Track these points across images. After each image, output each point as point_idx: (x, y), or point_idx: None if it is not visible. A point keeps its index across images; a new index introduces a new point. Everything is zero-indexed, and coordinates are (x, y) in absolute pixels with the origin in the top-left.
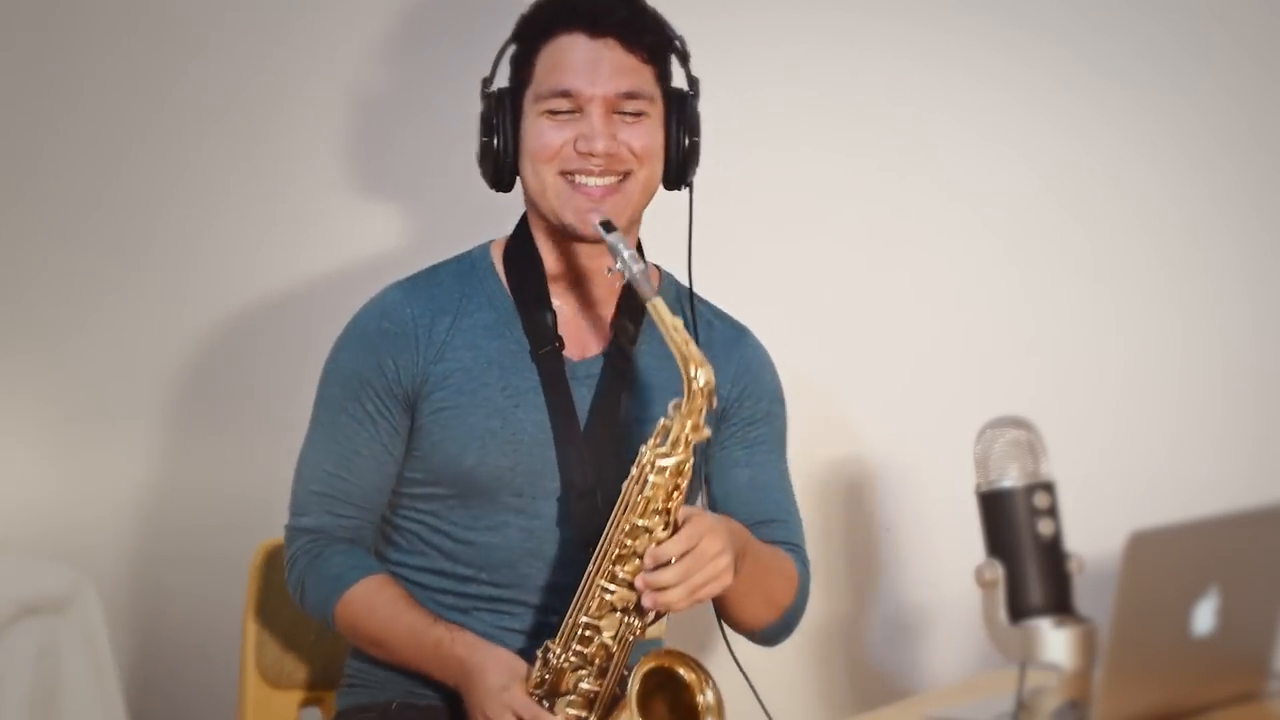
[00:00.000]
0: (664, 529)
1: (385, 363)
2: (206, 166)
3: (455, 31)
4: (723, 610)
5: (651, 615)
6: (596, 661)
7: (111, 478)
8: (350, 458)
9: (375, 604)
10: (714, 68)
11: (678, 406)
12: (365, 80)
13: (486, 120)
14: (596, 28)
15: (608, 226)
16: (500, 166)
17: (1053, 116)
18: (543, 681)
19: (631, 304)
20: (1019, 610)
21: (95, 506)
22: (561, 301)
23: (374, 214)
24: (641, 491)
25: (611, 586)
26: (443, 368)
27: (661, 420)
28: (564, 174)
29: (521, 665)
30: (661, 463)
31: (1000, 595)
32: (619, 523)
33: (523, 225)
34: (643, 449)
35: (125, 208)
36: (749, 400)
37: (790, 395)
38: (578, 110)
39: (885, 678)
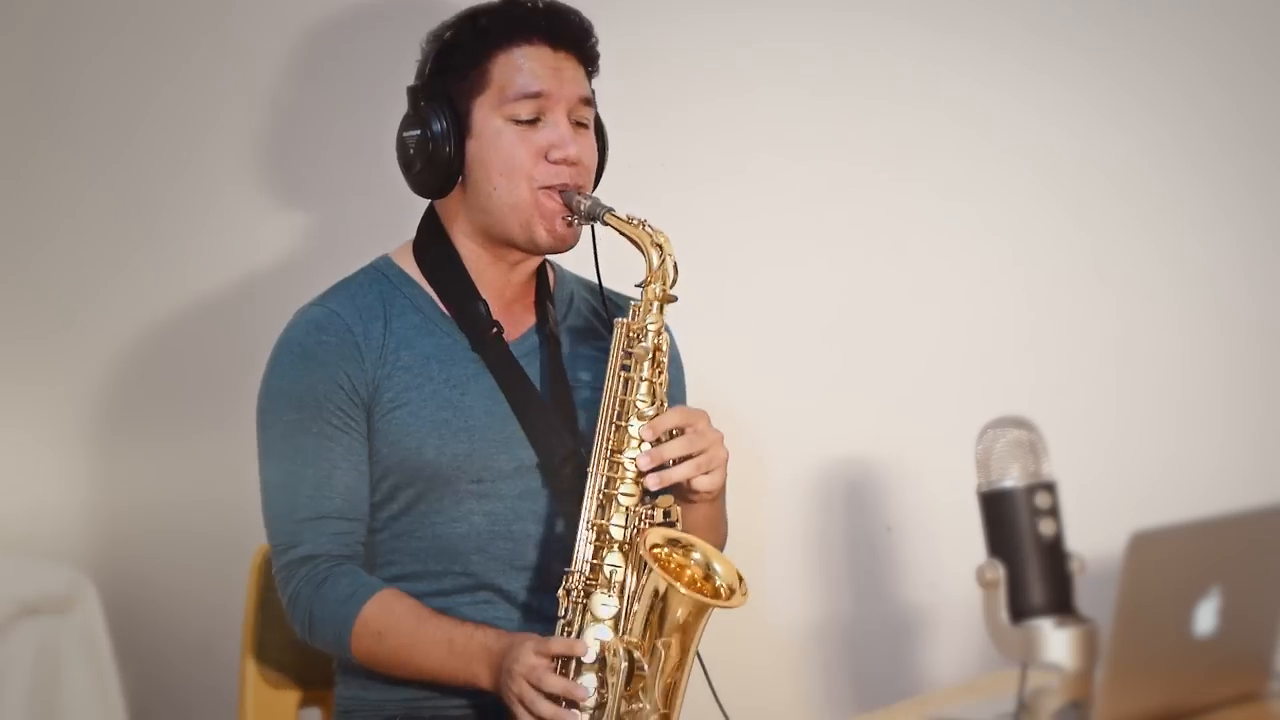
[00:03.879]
0: (652, 405)
1: (338, 375)
2: (210, 153)
3: (369, 44)
4: None
5: (664, 512)
6: (613, 574)
7: (112, 478)
8: (329, 475)
9: (395, 614)
10: (714, 68)
11: (643, 283)
12: (281, 90)
13: (425, 124)
14: (557, 41)
15: (571, 201)
16: (448, 174)
17: (1054, 116)
18: (570, 621)
19: (544, 289)
20: (1020, 610)
21: (96, 507)
22: (485, 294)
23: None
24: (628, 367)
25: (612, 474)
26: (386, 370)
27: (632, 302)
28: (542, 189)
29: (544, 638)
30: (646, 328)
31: (1001, 595)
32: (609, 408)
33: (433, 229)
34: (618, 323)
35: (119, 206)
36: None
37: (791, 395)
38: (538, 119)
39: (886, 678)
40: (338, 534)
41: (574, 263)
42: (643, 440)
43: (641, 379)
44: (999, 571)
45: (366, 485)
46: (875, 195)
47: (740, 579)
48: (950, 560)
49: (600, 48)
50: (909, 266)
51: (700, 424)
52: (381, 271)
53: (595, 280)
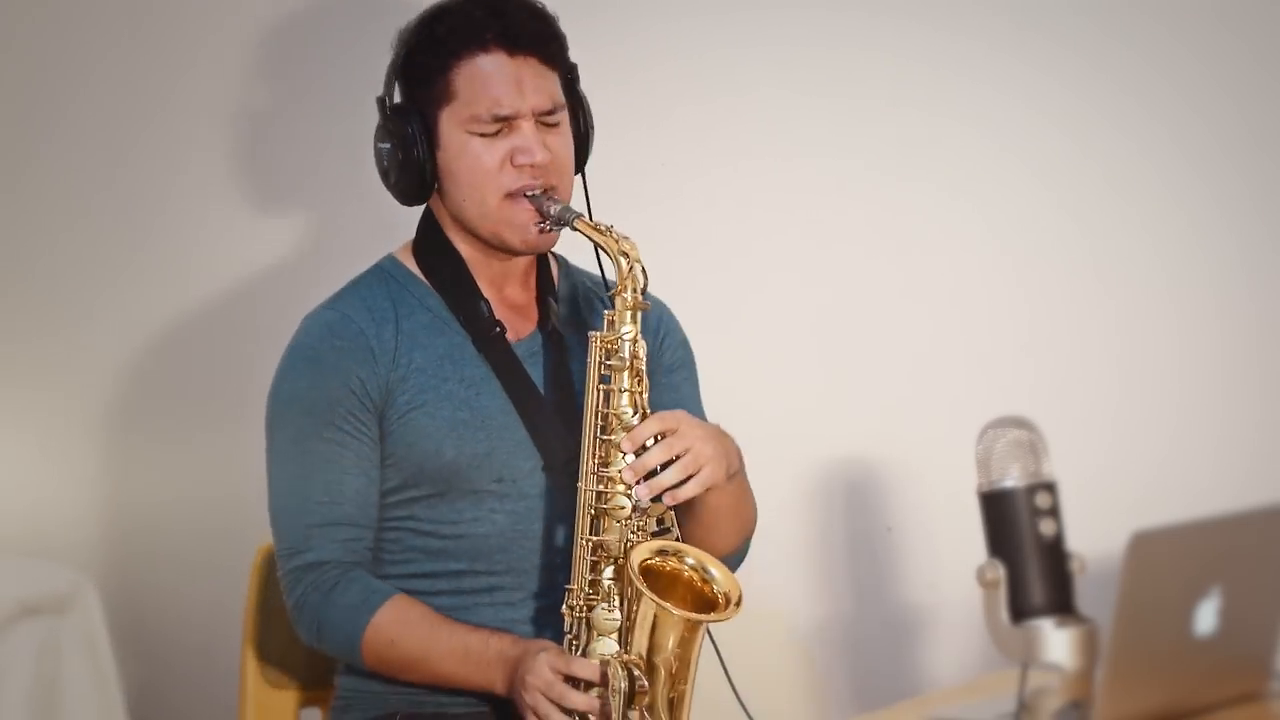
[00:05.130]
0: (634, 415)
1: (350, 380)
2: (212, 156)
3: (366, 47)
4: (697, 532)
5: (658, 520)
6: (613, 588)
7: (112, 478)
8: (339, 481)
9: (408, 622)
10: (713, 69)
11: (614, 293)
12: (278, 93)
13: (397, 136)
14: (516, 47)
15: (541, 206)
16: (423, 183)
17: (1053, 117)
18: (576, 636)
19: (546, 283)
20: (1020, 610)
21: (96, 507)
22: (487, 292)
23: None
24: (607, 379)
25: (602, 489)
26: (400, 373)
27: (605, 313)
28: (508, 195)
29: (556, 646)
30: (621, 339)
31: (1002, 595)
32: (592, 423)
33: (431, 229)
34: (592, 336)
35: (122, 210)
36: (667, 350)
37: (792, 395)
38: (505, 126)
39: (886, 678)
40: (347, 540)
41: (581, 254)
42: (624, 453)
43: (622, 390)
44: (999, 571)
45: (376, 491)
46: (874, 195)
47: (737, 596)
48: (950, 560)
49: (603, 51)
50: (909, 267)
51: (681, 426)
52: (388, 272)
53: (598, 272)
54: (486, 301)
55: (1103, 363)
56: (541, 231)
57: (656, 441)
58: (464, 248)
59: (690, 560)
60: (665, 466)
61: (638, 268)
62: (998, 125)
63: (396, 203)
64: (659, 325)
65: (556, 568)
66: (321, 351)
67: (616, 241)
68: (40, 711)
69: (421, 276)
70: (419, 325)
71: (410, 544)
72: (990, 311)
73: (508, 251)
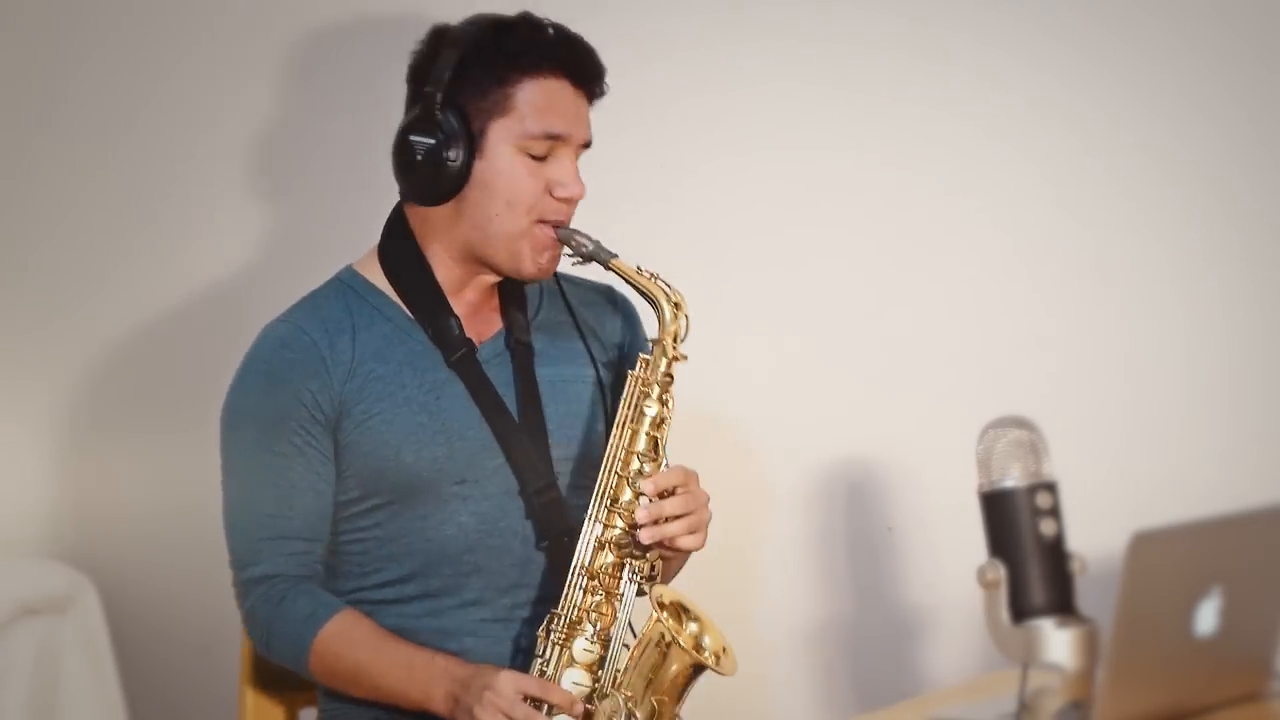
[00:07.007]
0: (653, 459)
1: (301, 392)
2: (200, 154)
3: (360, 47)
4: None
5: (650, 565)
6: (598, 621)
7: (112, 478)
8: (288, 495)
9: (354, 638)
10: (718, 65)
11: (656, 340)
12: (271, 92)
13: (441, 135)
14: (580, 80)
15: (569, 239)
16: (451, 188)
17: (1057, 115)
18: (547, 659)
19: (512, 291)
20: (1021, 611)
21: (96, 507)
22: (453, 300)
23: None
24: (635, 420)
25: (609, 524)
26: (355, 384)
27: (640, 355)
28: (538, 221)
29: (521, 675)
30: (655, 384)
31: (1002, 596)
32: (614, 458)
33: (402, 236)
34: (630, 376)
35: (109, 207)
36: (634, 352)
37: (792, 394)
38: (548, 153)
39: (887, 678)
40: (295, 554)
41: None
42: (640, 493)
43: (645, 432)
44: (1000, 572)
45: (328, 505)
46: (877, 195)
47: (725, 649)
48: (951, 561)
49: (600, 48)
50: (910, 266)
51: (693, 485)
52: (346, 283)
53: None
54: (457, 319)
55: (1104, 362)
56: (552, 261)
57: (674, 492)
58: (443, 258)
59: (692, 626)
60: (673, 518)
61: (684, 320)
62: (1000, 123)
63: (385, 208)
64: (625, 327)
65: (525, 564)
66: (273, 364)
67: (665, 292)
68: (40, 711)
69: (382, 286)
70: (377, 335)
71: (378, 552)
72: (992, 310)
73: (508, 273)
